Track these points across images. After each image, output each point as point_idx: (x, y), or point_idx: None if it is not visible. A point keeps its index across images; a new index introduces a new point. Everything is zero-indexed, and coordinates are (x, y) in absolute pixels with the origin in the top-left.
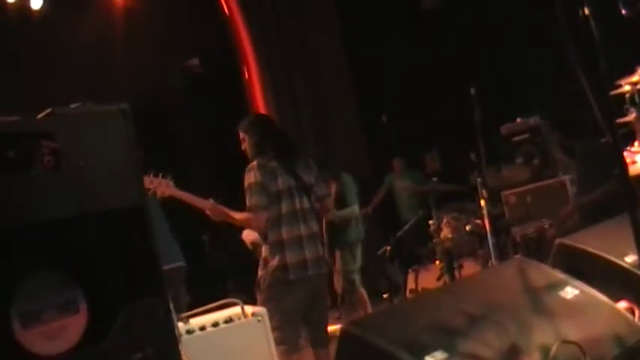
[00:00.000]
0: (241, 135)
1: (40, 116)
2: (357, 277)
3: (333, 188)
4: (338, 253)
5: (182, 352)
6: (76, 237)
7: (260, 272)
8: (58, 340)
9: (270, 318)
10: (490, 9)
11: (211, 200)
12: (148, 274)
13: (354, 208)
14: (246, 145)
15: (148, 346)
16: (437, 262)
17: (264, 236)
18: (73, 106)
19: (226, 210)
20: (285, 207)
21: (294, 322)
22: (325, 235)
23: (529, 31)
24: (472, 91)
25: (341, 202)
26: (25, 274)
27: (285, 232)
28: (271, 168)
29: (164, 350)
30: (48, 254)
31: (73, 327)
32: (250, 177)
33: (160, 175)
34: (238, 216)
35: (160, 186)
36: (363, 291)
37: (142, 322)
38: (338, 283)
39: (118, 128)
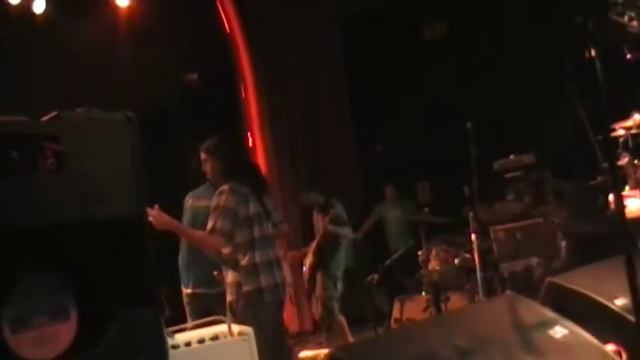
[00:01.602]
0: (203, 156)
1: (44, 119)
2: (335, 305)
3: (327, 214)
4: (320, 278)
5: None
6: (73, 242)
7: (230, 297)
8: (48, 346)
9: None
10: (492, 44)
11: (156, 207)
12: (142, 285)
13: (348, 232)
14: (208, 167)
15: (139, 356)
16: (423, 293)
17: (227, 261)
18: (78, 110)
19: (177, 223)
20: (257, 231)
21: (271, 340)
22: (312, 258)
23: (530, 70)
24: (469, 125)
25: (337, 221)
26: (18, 277)
27: (257, 256)
28: (243, 193)
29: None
30: (42, 258)
31: (63, 334)
32: (221, 200)
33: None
34: (196, 233)
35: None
36: (342, 318)
37: (134, 332)
38: (316, 310)
39: (122, 135)
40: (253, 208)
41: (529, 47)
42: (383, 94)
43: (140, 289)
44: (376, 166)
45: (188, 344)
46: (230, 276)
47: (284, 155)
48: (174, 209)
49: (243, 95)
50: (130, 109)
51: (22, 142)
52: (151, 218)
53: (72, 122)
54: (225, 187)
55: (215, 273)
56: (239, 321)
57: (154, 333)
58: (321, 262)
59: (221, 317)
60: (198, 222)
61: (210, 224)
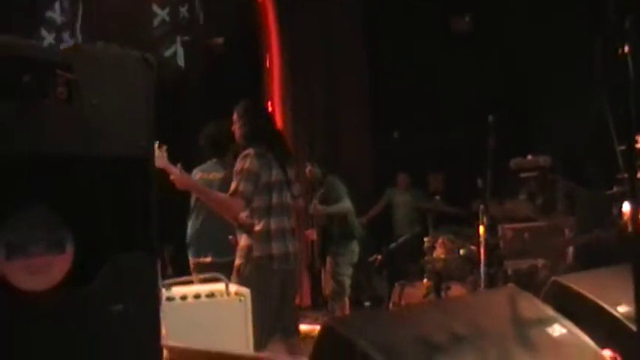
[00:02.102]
0: (235, 117)
1: (62, 48)
2: (347, 281)
3: (320, 194)
4: (330, 256)
5: (163, 327)
6: (74, 176)
7: (238, 260)
8: (41, 276)
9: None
10: (518, 40)
11: (179, 166)
12: (142, 229)
13: (344, 205)
14: (237, 129)
15: (130, 300)
16: (425, 280)
17: (243, 225)
18: (98, 43)
19: (198, 184)
20: (275, 199)
21: (273, 309)
22: (318, 238)
23: (555, 69)
24: (490, 118)
25: (329, 201)
26: (17, 204)
27: (273, 223)
28: (267, 159)
29: (145, 307)
30: (42, 189)
31: (57, 266)
32: (245, 163)
33: (156, 144)
34: (215, 195)
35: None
36: (346, 299)
37: (127, 275)
38: (327, 286)
39: (137, 75)
40: (275, 175)
41: (556, 46)
42: (404, 80)
43: (138, 233)
44: (391, 152)
45: (184, 298)
46: (243, 240)
47: (301, 130)
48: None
49: (268, 65)
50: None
51: (35, 67)
52: (172, 177)
53: (88, 54)
54: (250, 150)
55: (230, 237)
56: (244, 285)
57: (147, 279)
58: (332, 239)
59: (219, 276)
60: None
61: (232, 186)
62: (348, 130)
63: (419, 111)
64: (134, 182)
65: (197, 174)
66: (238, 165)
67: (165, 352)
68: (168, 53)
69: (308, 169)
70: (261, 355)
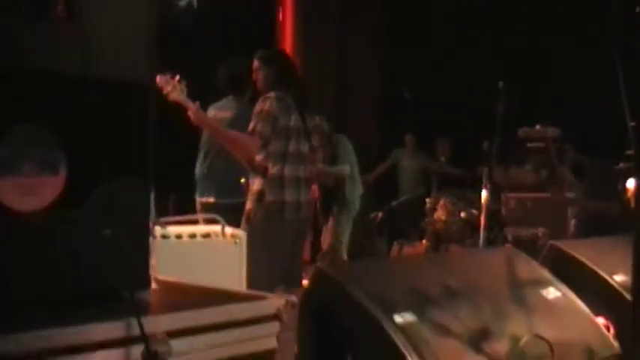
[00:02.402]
0: (257, 64)
1: None
2: (345, 241)
3: (326, 153)
4: (335, 211)
5: (153, 258)
6: (70, 98)
7: (249, 205)
8: (32, 197)
9: (258, 251)
10: (539, 11)
11: (197, 103)
12: (137, 156)
13: (345, 168)
14: (259, 76)
15: (120, 225)
16: (424, 241)
17: (257, 168)
18: None
19: (214, 122)
20: (291, 145)
21: (279, 257)
22: (321, 195)
23: (573, 42)
24: (500, 84)
25: (333, 161)
26: (10, 122)
27: (287, 170)
28: (288, 104)
29: (136, 233)
30: (37, 108)
31: (49, 188)
32: (265, 105)
33: (177, 77)
34: (232, 133)
35: (174, 90)
36: (345, 257)
37: (120, 200)
38: (325, 242)
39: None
40: (294, 121)
41: (572, 18)
42: (418, 42)
43: (133, 160)
44: (401, 113)
45: (179, 237)
46: (256, 184)
47: (311, 86)
48: None
49: (280, 18)
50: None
51: None
52: (190, 113)
53: None
54: (271, 93)
55: (242, 180)
56: (254, 230)
57: (139, 206)
58: (329, 199)
59: (216, 217)
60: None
61: (250, 127)
62: (358, 87)
63: (431, 74)
64: (132, 108)
65: (211, 111)
66: (258, 106)
67: (153, 284)
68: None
69: (311, 119)
70: (254, 292)
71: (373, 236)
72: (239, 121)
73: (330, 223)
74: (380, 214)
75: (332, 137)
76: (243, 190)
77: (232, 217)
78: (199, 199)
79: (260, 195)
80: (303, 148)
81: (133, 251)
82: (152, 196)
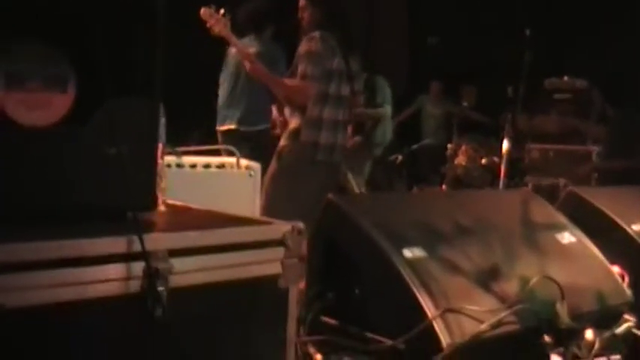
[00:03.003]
0: (303, 2)
1: None
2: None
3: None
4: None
5: (163, 182)
6: (80, 15)
7: (283, 141)
8: (39, 112)
9: (283, 188)
10: None
11: (253, 50)
12: (145, 74)
13: (385, 110)
14: (306, 15)
15: (126, 145)
16: (444, 186)
17: (302, 108)
18: None
19: (267, 71)
20: (332, 87)
21: (304, 197)
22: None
23: None
24: (527, 32)
25: (370, 101)
26: (18, 36)
27: (326, 113)
28: (332, 45)
29: (141, 153)
30: (45, 23)
31: (57, 104)
32: (311, 45)
33: (222, 11)
34: (287, 81)
35: (218, 23)
36: None
37: (126, 120)
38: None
39: None
40: (337, 63)
41: None
42: None
43: (142, 79)
44: (426, 58)
45: (193, 166)
46: (293, 122)
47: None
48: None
49: None
50: None
51: None
52: (246, 63)
53: None
54: (315, 33)
55: (274, 114)
56: (283, 167)
57: (145, 127)
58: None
59: (231, 148)
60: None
61: (300, 70)
62: (384, 31)
63: (459, 20)
64: (140, 26)
65: (233, 49)
66: (303, 47)
67: (162, 207)
68: None
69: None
70: (261, 218)
71: (392, 178)
72: (262, 59)
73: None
74: (400, 157)
75: (370, 79)
76: (267, 118)
77: (255, 144)
78: (220, 127)
79: (295, 133)
80: (344, 91)
81: (139, 172)
82: (163, 120)
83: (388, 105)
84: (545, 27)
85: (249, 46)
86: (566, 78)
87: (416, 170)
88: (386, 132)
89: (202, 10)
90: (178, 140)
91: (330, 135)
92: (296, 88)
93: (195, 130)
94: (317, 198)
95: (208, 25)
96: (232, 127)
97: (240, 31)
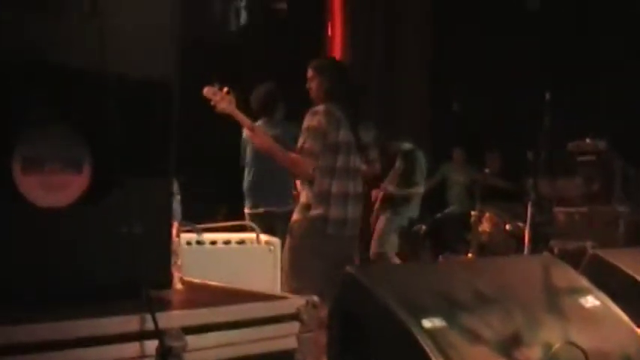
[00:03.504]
0: (311, 73)
1: None
2: (389, 248)
3: (399, 162)
4: (385, 219)
5: (179, 259)
6: (95, 95)
7: (296, 216)
8: (56, 194)
9: (299, 264)
10: (589, 23)
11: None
12: (158, 153)
13: (419, 189)
14: (313, 86)
15: (140, 224)
16: (470, 254)
17: (309, 182)
18: None
19: (272, 141)
20: (340, 160)
21: (320, 272)
22: (379, 204)
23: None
24: (547, 95)
25: (408, 178)
26: (35, 119)
27: (335, 186)
28: (337, 118)
29: (156, 232)
30: (61, 105)
31: (73, 185)
32: (314, 120)
33: (225, 89)
34: (288, 155)
35: (223, 101)
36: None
37: (139, 198)
38: (374, 247)
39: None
40: (343, 135)
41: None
42: (466, 55)
43: (153, 158)
44: (449, 125)
45: (213, 243)
46: (303, 197)
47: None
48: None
49: (330, 33)
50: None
51: None
52: (247, 132)
53: None
54: (319, 107)
55: (295, 192)
56: (295, 243)
57: (159, 206)
58: (389, 208)
59: (250, 223)
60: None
61: (299, 143)
62: (406, 101)
63: (478, 87)
64: (153, 105)
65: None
66: (306, 122)
67: (179, 284)
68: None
69: (392, 145)
70: (276, 293)
71: (418, 249)
72: (279, 140)
73: (380, 226)
74: (424, 227)
75: (411, 154)
76: (292, 198)
77: (283, 224)
78: (248, 211)
79: (305, 208)
80: (353, 163)
81: (153, 250)
82: (178, 197)
83: (422, 183)
84: (567, 90)
85: (263, 128)
86: (588, 140)
87: (441, 239)
88: (415, 208)
89: (205, 89)
90: (205, 218)
91: (339, 209)
92: (295, 162)
93: (221, 208)
94: (330, 272)
95: (212, 102)
96: (260, 210)
97: (254, 116)
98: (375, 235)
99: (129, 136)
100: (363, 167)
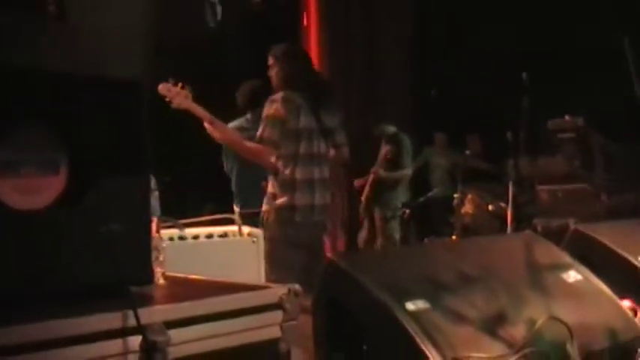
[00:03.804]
0: (271, 61)
1: None
2: (396, 236)
3: (387, 148)
4: (379, 210)
5: (161, 255)
6: (69, 97)
7: (264, 207)
8: (32, 197)
9: (273, 254)
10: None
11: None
12: (133, 151)
13: (407, 172)
14: (273, 73)
15: (119, 222)
16: (454, 237)
17: (273, 172)
18: None
19: (233, 132)
20: (303, 147)
21: (296, 262)
22: (369, 190)
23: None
24: (524, 76)
25: (395, 163)
26: (9, 122)
27: (298, 173)
28: (296, 105)
29: (135, 229)
30: (35, 107)
31: (49, 188)
32: (271, 108)
33: (180, 84)
34: (248, 144)
35: (178, 96)
36: None
37: (117, 196)
38: (361, 239)
39: None
40: (304, 121)
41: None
42: (446, 40)
43: (129, 156)
44: (429, 111)
45: (196, 237)
46: (270, 187)
47: (338, 89)
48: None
49: (305, 24)
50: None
51: None
52: (206, 125)
53: None
54: (277, 95)
55: (263, 183)
56: (267, 234)
57: (137, 203)
58: (379, 198)
59: (231, 216)
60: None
61: (258, 133)
62: (386, 89)
63: (458, 71)
64: (125, 105)
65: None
66: (265, 111)
67: (161, 280)
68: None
69: (377, 128)
70: (258, 283)
71: (404, 233)
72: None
73: (378, 222)
74: (407, 211)
75: (396, 137)
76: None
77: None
78: (238, 211)
79: (272, 197)
80: (317, 149)
81: (133, 247)
82: (156, 194)
83: (410, 166)
84: (543, 69)
85: (244, 126)
86: (567, 117)
87: (426, 223)
88: (403, 194)
89: (160, 86)
90: (192, 214)
91: (305, 195)
92: (255, 151)
93: (207, 206)
94: (305, 260)
95: (167, 99)
96: (243, 210)
97: (240, 112)
98: (379, 230)
99: (103, 135)
100: (332, 152)
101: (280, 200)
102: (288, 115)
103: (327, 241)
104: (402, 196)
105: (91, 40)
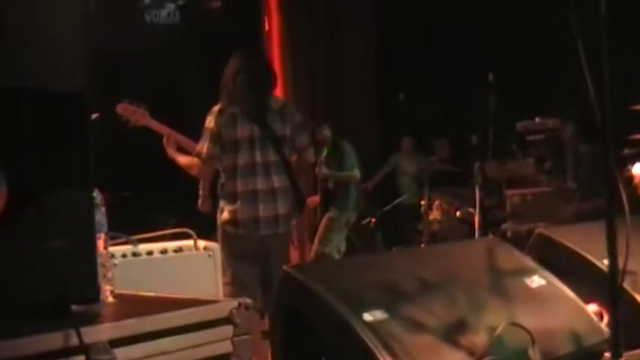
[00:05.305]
0: None
1: None
2: (333, 248)
3: (323, 150)
4: (326, 218)
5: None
6: (8, 112)
7: (218, 221)
8: None
9: (224, 270)
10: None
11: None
12: (76, 166)
13: (354, 173)
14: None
15: (62, 238)
16: (422, 245)
17: (221, 185)
18: None
19: (172, 151)
20: (241, 158)
21: (246, 275)
22: (320, 194)
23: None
24: (490, 77)
25: (338, 165)
26: None
27: (239, 185)
28: (231, 114)
29: (79, 245)
30: None
31: None
32: (207, 121)
33: (136, 103)
34: (182, 159)
35: (135, 114)
36: None
37: (60, 212)
38: (316, 244)
39: (73, 5)
40: (242, 131)
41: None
42: (410, 44)
43: (71, 171)
44: (396, 116)
45: (150, 253)
46: (220, 202)
47: (302, 94)
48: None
49: (267, 28)
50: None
51: None
52: (164, 141)
53: None
54: (215, 107)
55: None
56: (221, 249)
57: (81, 218)
58: (331, 203)
59: (188, 231)
60: None
61: (196, 147)
62: (351, 94)
63: (424, 75)
64: (68, 118)
65: None
66: (205, 123)
67: (110, 298)
68: (162, 15)
69: (322, 132)
70: (208, 298)
71: (370, 243)
72: None
73: (320, 229)
74: (373, 220)
75: (337, 144)
76: None
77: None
78: None
79: (220, 211)
80: (260, 158)
81: (78, 264)
82: (103, 209)
83: (356, 169)
84: (511, 71)
85: None
86: (537, 119)
87: (393, 231)
88: (356, 198)
89: (118, 107)
90: (154, 229)
91: (248, 207)
92: (188, 165)
93: (170, 218)
94: (256, 274)
95: (124, 119)
96: None
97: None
98: (318, 234)
99: (44, 150)
100: (294, 158)
101: (225, 215)
102: (222, 127)
103: (295, 252)
104: (354, 203)
105: (31, 55)
